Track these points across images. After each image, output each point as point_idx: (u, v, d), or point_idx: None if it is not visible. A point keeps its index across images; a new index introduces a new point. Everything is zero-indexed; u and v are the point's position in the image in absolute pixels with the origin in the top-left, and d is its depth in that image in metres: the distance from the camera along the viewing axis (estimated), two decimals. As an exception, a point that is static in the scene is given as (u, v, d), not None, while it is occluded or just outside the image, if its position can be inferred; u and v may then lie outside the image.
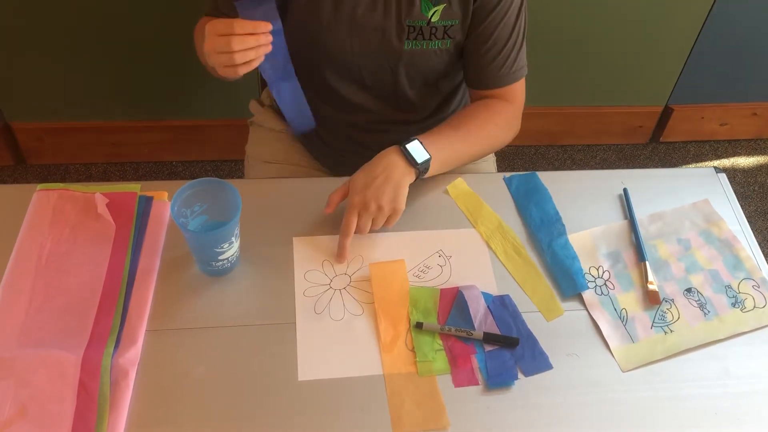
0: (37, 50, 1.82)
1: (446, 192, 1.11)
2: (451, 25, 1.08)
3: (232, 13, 1.01)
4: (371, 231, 1.03)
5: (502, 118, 1.16)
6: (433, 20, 1.07)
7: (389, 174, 1.01)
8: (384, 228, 1.04)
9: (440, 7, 1.06)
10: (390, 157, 1.03)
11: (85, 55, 1.85)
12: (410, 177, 1.03)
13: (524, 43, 1.14)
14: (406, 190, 1.02)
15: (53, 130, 2.04)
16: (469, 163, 1.15)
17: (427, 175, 1.06)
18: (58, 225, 1.01)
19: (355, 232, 1.01)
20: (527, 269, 1.02)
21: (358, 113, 1.22)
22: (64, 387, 0.84)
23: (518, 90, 1.17)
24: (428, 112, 1.25)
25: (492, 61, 1.12)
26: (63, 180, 2.09)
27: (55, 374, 0.85)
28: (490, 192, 1.12)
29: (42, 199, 1.04)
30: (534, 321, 0.96)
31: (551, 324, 0.96)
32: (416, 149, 1.03)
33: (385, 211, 1.01)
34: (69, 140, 2.07)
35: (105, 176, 2.12)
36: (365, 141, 1.26)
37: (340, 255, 1.01)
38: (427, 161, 1.04)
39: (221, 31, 0.93)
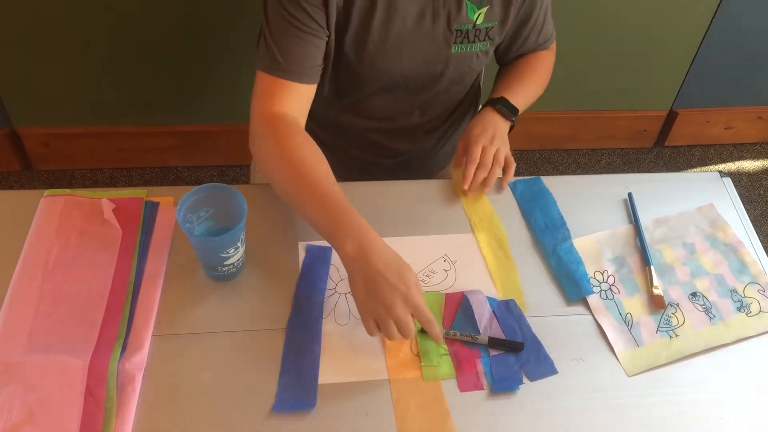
0: (44, 57, 1.83)
1: (451, 180, 1.15)
2: (492, 27, 1.11)
3: (295, 75, 1.01)
4: (494, 163, 1.11)
5: (547, 64, 1.30)
6: (478, 23, 1.09)
7: (497, 123, 1.16)
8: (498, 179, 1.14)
9: (484, 10, 1.08)
10: (490, 115, 1.17)
11: (91, 61, 1.86)
12: (507, 128, 1.18)
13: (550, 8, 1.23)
14: (506, 136, 1.17)
15: (60, 136, 2.05)
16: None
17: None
18: (64, 230, 1.02)
19: (481, 164, 1.10)
20: (505, 263, 1.03)
21: (385, 121, 1.23)
22: (71, 392, 0.85)
23: (553, 46, 1.31)
24: (448, 113, 1.28)
25: (530, 38, 1.22)
26: (69, 185, 2.10)
27: (62, 379, 0.85)
28: (494, 196, 1.13)
29: (49, 205, 1.05)
30: (539, 326, 0.96)
31: (556, 329, 0.96)
32: (509, 107, 1.18)
33: (504, 147, 1.13)
34: (75, 146, 2.08)
35: (111, 182, 2.13)
36: (379, 147, 1.26)
37: (465, 182, 1.09)
38: (517, 115, 1.19)
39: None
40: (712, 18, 1.96)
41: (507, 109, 1.17)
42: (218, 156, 2.16)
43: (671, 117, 2.26)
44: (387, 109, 1.21)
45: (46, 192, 1.06)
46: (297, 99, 1.03)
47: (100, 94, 1.95)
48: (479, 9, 1.08)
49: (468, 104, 1.32)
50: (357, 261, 0.88)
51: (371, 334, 0.89)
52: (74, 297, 0.95)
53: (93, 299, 0.94)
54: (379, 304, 0.86)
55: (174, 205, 1.07)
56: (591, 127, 2.25)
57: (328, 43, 1.05)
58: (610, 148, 2.33)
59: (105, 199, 1.05)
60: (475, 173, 1.10)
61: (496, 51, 1.24)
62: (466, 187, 1.09)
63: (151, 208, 1.06)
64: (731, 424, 0.89)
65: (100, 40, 1.81)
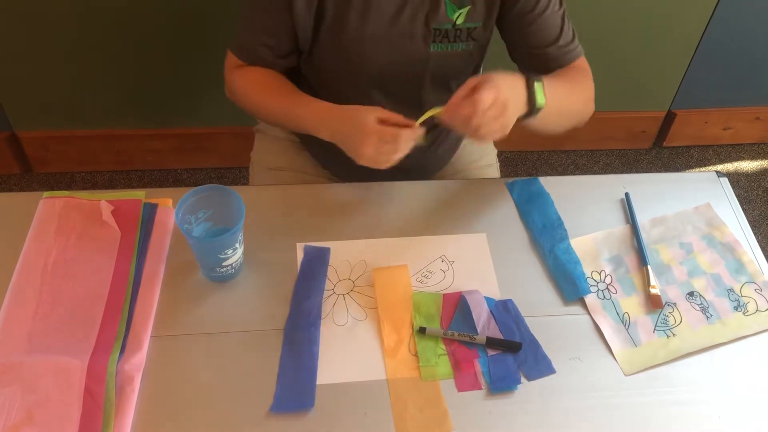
0: (43, 60, 1.83)
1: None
2: (475, 28, 1.10)
3: (251, 60, 1.14)
4: (482, 119, 0.92)
5: (590, 80, 1.19)
6: (458, 23, 1.09)
7: (516, 98, 0.97)
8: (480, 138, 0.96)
9: (465, 10, 1.08)
10: (519, 88, 0.98)
11: (90, 64, 1.86)
12: (522, 111, 0.99)
13: (570, 24, 1.14)
14: (514, 119, 0.98)
15: (59, 139, 2.05)
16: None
17: (528, 121, 1.03)
18: (63, 232, 1.02)
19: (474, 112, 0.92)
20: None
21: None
22: (70, 393, 0.85)
23: (586, 65, 1.19)
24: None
25: (559, 46, 1.12)
26: (69, 188, 2.10)
27: (61, 380, 0.86)
28: (492, 197, 1.13)
29: (48, 207, 1.05)
30: (537, 325, 0.97)
31: (554, 328, 0.97)
32: (540, 92, 0.99)
33: (506, 123, 0.95)
34: (75, 148, 2.08)
35: (110, 184, 2.13)
36: None
37: (447, 108, 0.95)
38: (540, 109, 1.00)
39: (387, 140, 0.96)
40: (710, 18, 1.96)
41: (537, 94, 1.00)
42: (217, 158, 2.16)
43: (669, 118, 2.26)
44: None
45: (45, 194, 1.06)
46: (251, 67, 1.16)
47: (100, 97, 1.96)
48: (459, 9, 1.07)
49: None
50: (332, 132, 1.03)
51: (374, 165, 0.98)
52: (73, 298, 0.95)
53: (92, 300, 0.95)
54: (356, 145, 0.98)
55: (172, 207, 1.07)
56: (589, 128, 2.23)
57: (301, 37, 1.09)
58: (608, 149, 2.33)
59: (104, 201, 1.05)
60: (466, 110, 0.92)
61: (518, 60, 1.17)
62: (446, 115, 0.95)
63: (150, 210, 1.06)
64: (728, 423, 0.89)
65: (99, 43, 1.81)
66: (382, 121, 0.97)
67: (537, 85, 0.99)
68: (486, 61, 1.22)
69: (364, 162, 0.99)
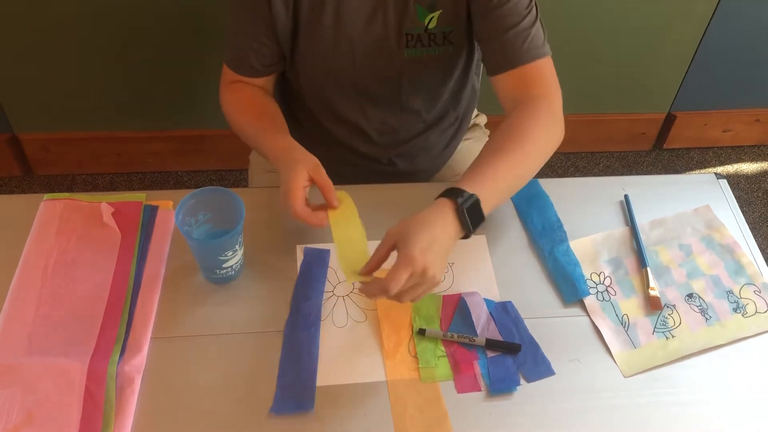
0: (44, 62, 1.84)
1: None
2: (451, 31, 1.09)
3: (240, 70, 1.14)
4: (400, 298, 0.88)
5: (541, 114, 1.03)
6: (430, 27, 1.08)
7: (447, 238, 0.89)
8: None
9: (436, 14, 1.07)
10: (447, 218, 0.90)
11: (91, 66, 1.87)
12: (457, 237, 0.92)
13: (542, 26, 1.06)
14: (446, 260, 0.91)
15: (60, 141, 2.05)
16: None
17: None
18: (64, 234, 1.02)
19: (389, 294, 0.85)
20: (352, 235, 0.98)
21: (364, 126, 1.23)
22: (70, 394, 0.85)
23: (548, 73, 1.07)
24: (433, 116, 1.25)
25: (512, 38, 1.03)
26: (70, 190, 2.10)
27: (61, 382, 0.86)
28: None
29: (49, 209, 1.05)
30: (536, 327, 0.97)
31: (553, 330, 0.97)
32: (475, 212, 0.91)
33: (433, 284, 0.88)
34: (75, 151, 2.09)
35: (111, 186, 2.14)
36: (368, 151, 1.27)
37: (370, 294, 0.88)
38: (480, 226, 0.93)
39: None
40: (710, 20, 1.97)
41: (469, 222, 0.91)
42: (217, 160, 2.17)
43: (669, 120, 2.26)
44: (365, 116, 1.21)
45: (46, 196, 1.07)
46: (249, 83, 1.16)
47: (100, 99, 1.96)
48: (431, 13, 1.06)
49: (451, 115, 1.29)
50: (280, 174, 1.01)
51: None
52: (74, 300, 0.95)
53: (92, 302, 0.95)
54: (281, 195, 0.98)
55: (173, 209, 1.07)
56: (589, 130, 2.26)
57: (282, 40, 1.10)
58: (608, 152, 2.34)
59: (104, 203, 1.05)
60: (377, 288, 0.86)
61: (486, 63, 1.11)
62: (363, 292, 0.89)
63: (150, 212, 1.06)
64: (727, 424, 0.89)
65: (100, 46, 1.82)
66: (311, 179, 0.98)
67: (469, 211, 0.90)
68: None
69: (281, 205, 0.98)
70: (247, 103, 1.15)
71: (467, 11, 1.08)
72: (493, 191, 0.95)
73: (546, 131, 1.03)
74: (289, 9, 1.06)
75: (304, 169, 0.97)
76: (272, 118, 1.13)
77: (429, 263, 0.85)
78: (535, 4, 1.07)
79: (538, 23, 1.06)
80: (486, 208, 0.92)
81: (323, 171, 0.98)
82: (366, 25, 1.07)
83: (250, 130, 1.12)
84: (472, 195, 0.91)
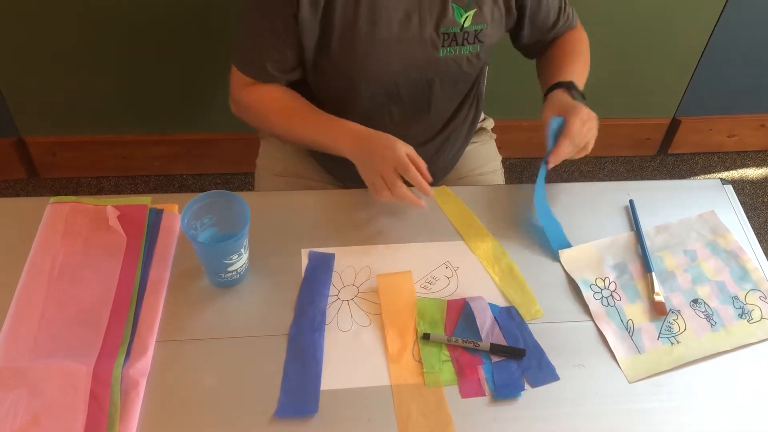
0: (51, 66, 1.85)
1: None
2: (482, 30, 1.11)
3: (258, 76, 1.15)
4: (582, 149, 1.09)
5: (585, 41, 1.31)
6: (465, 26, 1.10)
7: (590, 111, 1.12)
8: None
9: (471, 12, 1.09)
10: (575, 104, 1.12)
11: (97, 70, 1.87)
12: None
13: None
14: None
15: (66, 144, 2.06)
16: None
17: None
18: (70, 237, 1.03)
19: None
20: (509, 274, 1.04)
21: (382, 126, 1.23)
22: (75, 397, 0.85)
23: (579, 27, 1.31)
24: (445, 117, 1.27)
25: (552, 25, 1.23)
26: (75, 193, 2.10)
27: (66, 384, 0.86)
28: (497, 203, 1.13)
29: (54, 212, 1.06)
30: (541, 332, 0.97)
31: (558, 335, 0.97)
32: (580, 95, 1.16)
33: (594, 134, 1.11)
34: (81, 154, 2.09)
35: (117, 189, 2.14)
36: None
37: (553, 156, 1.07)
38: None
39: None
40: (715, 25, 1.97)
41: (580, 98, 1.16)
42: (223, 164, 2.17)
43: (674, 125, 2.26)
44: (388, 116, 1.21)
45: (52, 199, 1.07)
46: (263, 85, 1.17)
47: (106, 103, 1.97)
48: (466, 12, 1.09)
49: (464, 117, 1.30)
50: (357, 151, 1.07)
51: (376, 196, 1.04)
52: (79, 303, 0.95)
53: (97, 305, 0.95)
54: (373, 171, 1.03)
55: (178, 212, 1.07)
56: (594, 135, 2.25)
57: (307, 47, 1.10)
58: (613, 156, 2.33)
59: (110, 206, 1.06)
60: (569, 150, 1.08)
61: (524, 46, 1.28)
62: (551, 162, 1.07)
63: (156, 215, 1.07)
64: (732, 430, 0.89)
65: (106, 50, 1.83)
66: (409, 158, 1.03)
67: (577, 94, 1.15)
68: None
69: (370, 181, 1.05)
70: (281, 101, 1.16)
71: (506, 10, 1.14)
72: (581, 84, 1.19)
73: (588, 47, 1.31)
74: (317, 18, 1.06)
75: (401, 143, 1.04)
76: (314, 110, 1.15)
77: (586, 111, 1.10)
78: None
79: (568, 6, 1.25)
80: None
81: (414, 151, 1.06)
82: (402, 27, 1.08)
83: (300, 123, 1.14)
84: (571, 82, 1.16)
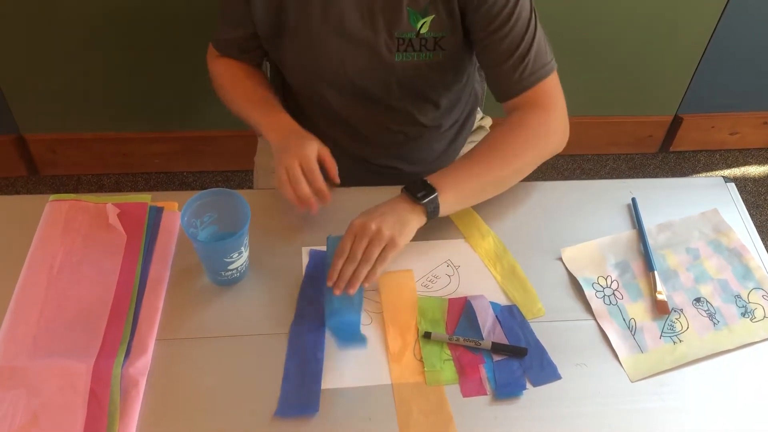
0: (51, 63, 1.84)
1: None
2: (442, 37, 1.08)
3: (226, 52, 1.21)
4: (363, 261, 0.94)
5: (529, 129, 1.07)
6: (422, 32, 1.07)
7: (393, 208, 0.98)
8: (374, 267, 0.95)
9: (429, 19, 1.06)
10: (394, 198, 1.00)
11: (97, 67, 1.87)
12: (418, 215, 0.98)
13: (543, 39, 1.07)
14: (411, 228, 0.97)
15: (66, 142, 2.06)
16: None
17: (445, 213, 1.02)
18: (69, 235, 1.02)
19: (348, 258, 0.95)
20: (511, 273, 1.03)
21: (358, 126, 1.23)
22: (75, 396, 0.85)
23: (550, 91, 1.09)
24: (429, 119, 1.24)
25: (511, 68, 1.06)
26: (75, 191, 2.10)
27: (66, 383, 0.86)
28: (497, 202, 1.12)
29: (54, 210, 1.05)
30: (542, 331, 0.96)
31: (559, 334, 0.96)
32: (418, 187, 0.99)
33: (385, 237, 0.94)
34: (81, 151, 2.09)
35: (117, 187, 2.14)
36: (365, 154, 1.26)
37: (329, 278, 0.95)
38: (434, 198, 0.98)
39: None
40: (717, 22, 1.96)
41: (412, 190, 0.99)
42: (223, 162, 2.17)
43: (676, 122, 2.26)
44: (361, 117, 1.21)
45: (52, 197, 1.07)
46: (230, 60, 1.22)
47: (106, 100, 1.97)
48: (423, 18, 1.05)
49: (455, 121, 1.28)
50: (277, 143, 1.07)
51: (278, 188, 1.03)
52: (79, 301, 0.95)
53: (97, 303, 0.95)
54: (281, 163, 1.03)
55: (178, 210, 1.07)
56: (596, 132, 2.25)
57: (261, 35, 1.13)
58: (614, 154, 2.33)
59: (110, 204, 1.05)
60: (342, 268, 0.94)
61: (491, 89, 1.13)
62: (329, 284, 0.94)
63: (156, 213, 1.06)
64: (734, 429, 0.89)
65: (106, 47, 1.82)
66: (319, 157, 1.05)
67: (413, 186, 0.99)
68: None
69: (276, 173, 1.04)
70: (240, 77, 1.20)
71: (462, 20, 1.06)
72: (457, 197, 1.02)
73: (532, 149, 1.07)
74: (268, 11, 1.08)
75: (316, 144, 1.05)
76: (267, 93, 1.18)
77: (370, 221, 0.95)
78: (535, 16, 1.06)
79: (538, 39, 1.06)
80: (446, 209, 1.01)
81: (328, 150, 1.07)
82: (355, 26, 1.07)
83: (244, 102, 1.18)
84: (417, 179, 1.01)
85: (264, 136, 1.12)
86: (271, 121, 1.12)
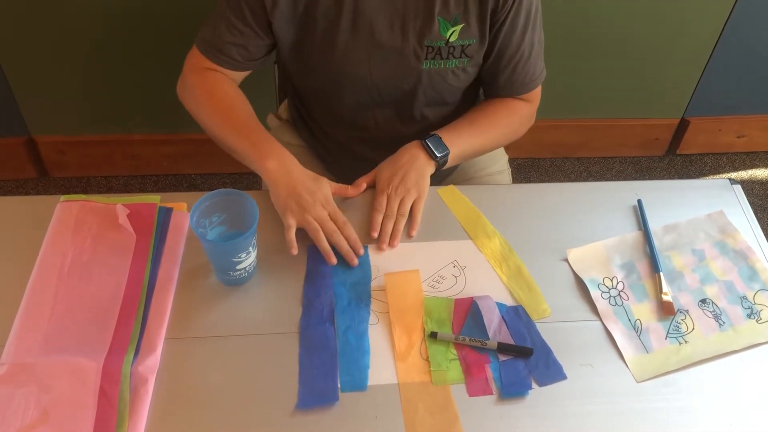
0: (60, 65, 1.86)
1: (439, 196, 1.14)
2: (469, 45, 1.10)
3: (219, 61, 1.13)
4: (399, 215, 1.06)
5: (518, 116, 1.23)
6: (451, 40, 1.08)
7: (413, 163, 1.10)
8: (414, 218, 1.08)
9: (458, 27, 1.07)
10: (412, 150, 1.11)
11: (106, 70, 1.88)
12: (431, 168, 1.11)
13: (541, 49, 1.18)
14: (428, 178, 1.11)
15: (76, 144, 2.07)
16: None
17: (445, 167, 1.14)
18: (80, 235, 1.03)
19: (386, 214, 1.06)
20: (517, 273, 1.04)
21: (372, 132, 1.23)
22: (85, 393, 0.86)
23: (538, 90, 1.23)
24: (441, 124, 1.24)
25: (512, 74, 1.17)
26: (84, 192, 2.10)
27: (76, 381, 0.87)
28: (503, 203, 1.13)
29: (65, 211, 1.06)
30: (548, 331, 0.97)
31: (565, 334, 0.97)
32: (436, 144, 1.11)
33: (412, 192, 1.07)
34: (91, 153, 2.10)
35: (125, 188, 2.15)
36: (375, 157, 1.27)
37: (373, 229, 1.05)
38: (446, 155, 1.12)
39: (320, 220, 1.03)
40: (724, 26, 1.96)
41: (433, 147, 1.11)
42: (231, 163, 2.14)
43: (683, 125, 2.25)
44: (375, 122, 1.22)
45: (62, 198, 1.08)
46: (222, 72, 1.16)
47: (116, 102, 1.98)
48: (453, 26, 1.07)
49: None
50: (280, 175, 1.04)
51: (288, 226, 1.01)
52: (89, 300, 0.96)
53: (107, 302, 0.96)
54: (299, 206, 1.02)
55: (187, 211, 1.08)
56: (602, 135, 2.25)
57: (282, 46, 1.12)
58: (621, 157, 2.33)
59: (119, 205, 1.06)
60: (383, 223, 1.06)
61: (483, 85, 1.23)
62: (374, 235, 1.05)
63: (165, 214, 1.07)
64: (740, 430, 0.89)
65: (115, 49, 1.84)
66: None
67: (430, 141, 1.11)
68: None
69: (293, 211, 1.02)
70: (225, 94, 1.13)
71: (489, 27, 1.10)
72: (455, 159, 1.15)
73: (519, 127, 1.24)
74: (296, 14, 1.07)
75: (327, 184, 1.07)
76: (252, 118, 1.12)
77: (395, 184, 1.08)
78: (540, 28, 1.14)
79: (540, 46, 1.17)
80: (451, 156, 1.13)
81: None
82: (386, 33, 1.07)
83: (229, 122, 1.10)
84: (433, 134, 1.13)
85: (255, 164, 1.06)
86: (271, 148, 1.07)
